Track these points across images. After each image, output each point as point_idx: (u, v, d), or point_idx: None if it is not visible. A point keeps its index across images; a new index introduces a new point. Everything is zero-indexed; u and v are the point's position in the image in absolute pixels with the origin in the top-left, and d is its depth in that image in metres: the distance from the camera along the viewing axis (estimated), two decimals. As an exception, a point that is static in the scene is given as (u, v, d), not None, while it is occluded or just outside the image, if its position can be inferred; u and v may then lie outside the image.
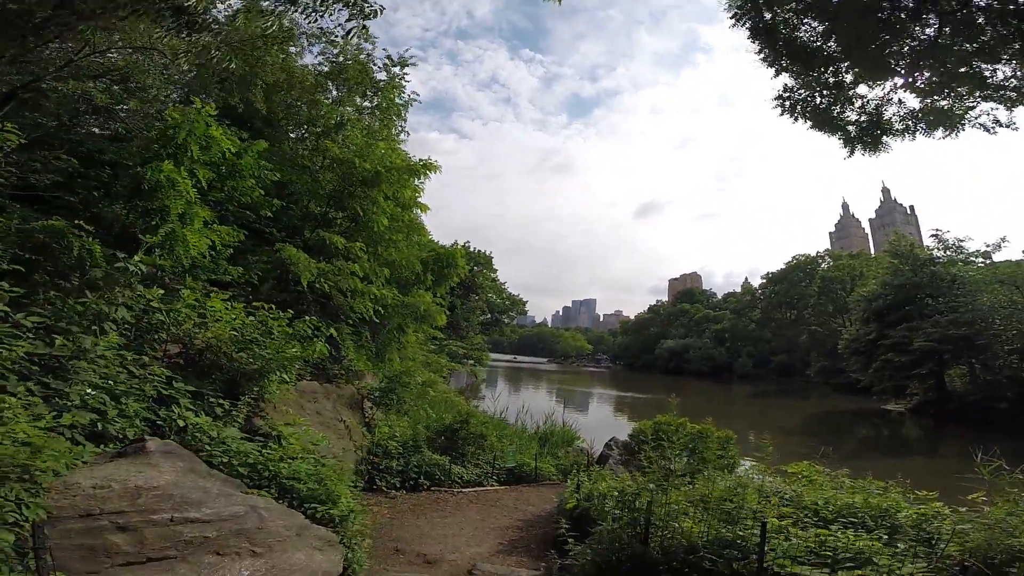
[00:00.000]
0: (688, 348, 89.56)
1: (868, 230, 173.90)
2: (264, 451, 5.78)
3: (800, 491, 6.83)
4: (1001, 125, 8.39)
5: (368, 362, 11.89)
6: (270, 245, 11.90)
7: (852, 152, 9.62)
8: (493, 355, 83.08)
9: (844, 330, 46.37)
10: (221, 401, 6.45)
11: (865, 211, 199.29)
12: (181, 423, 5.48)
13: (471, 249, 51.70)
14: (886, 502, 6.45)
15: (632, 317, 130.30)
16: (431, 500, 9.01)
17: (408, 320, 14.11)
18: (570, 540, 5.75)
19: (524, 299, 58.12)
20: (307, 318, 7.66)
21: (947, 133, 8.78)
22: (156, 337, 7.13)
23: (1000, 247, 34.13)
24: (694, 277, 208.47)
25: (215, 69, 13.06)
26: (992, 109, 8.48)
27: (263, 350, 7.49)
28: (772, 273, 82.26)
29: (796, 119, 9.68)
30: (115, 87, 11.31)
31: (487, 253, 53.57)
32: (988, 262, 34.55)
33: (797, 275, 77.15)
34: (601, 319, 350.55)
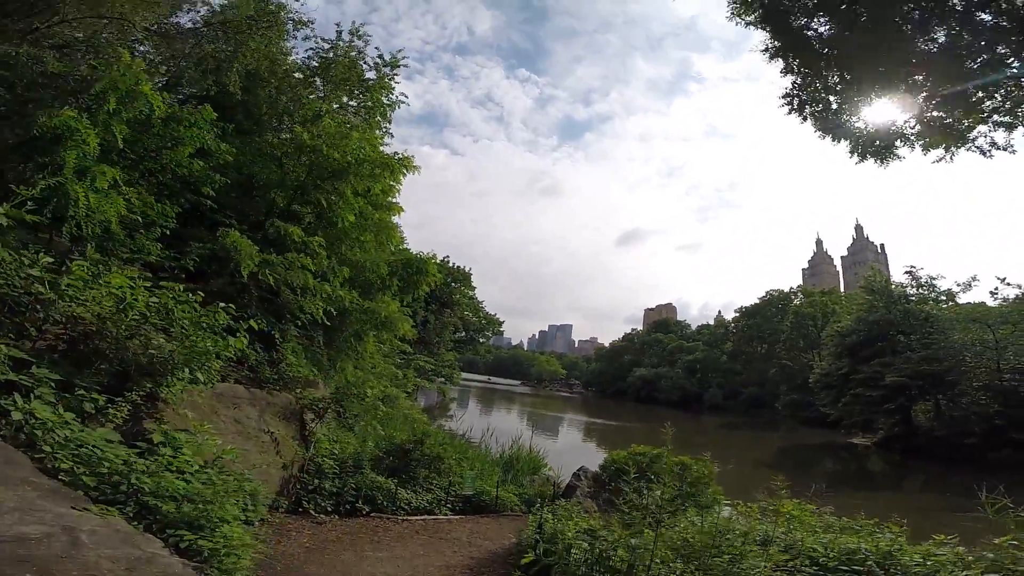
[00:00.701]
0: (660, 377, 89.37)
1: (839, 268, 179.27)
2: (131, 461, 4.48)
3: (798, 536, 5.86)
4: (998, 147, 8.25)
5: (313, 369, 10.54)
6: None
7: (862, 159, 9.20)
8: (467, 375, 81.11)
9: (815, 364, 46.49)
10: (95, 396, 5.13)
11: (838, 249, 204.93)
12: (18, 416, 4.17)
13: (450, 264, 50.59)
14: (888, 545, 5.59)
15: (607, 344, 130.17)
16: (367, 528, 7.65)
17: (367, 327, 12.83)
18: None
19: (501, 319, 56.87)
20: (221, 305, 6.37)
21: (947, 153, 8.57)
22: (39, 315, 5.83)
23: (971, 286, 34.77)
24: (669, 308, 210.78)
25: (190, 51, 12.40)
26: (989, 131, 8.29)
27: (172, 341, 6.22)
28: (746, 307, 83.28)
29: (804, 119, 9.31)
30: (86, 61, 10.25)
31: (466, 269, 52.47)
32: (952, 303, 35.13)
33: (770, 310, 78.17)
34: (576, 345, 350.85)
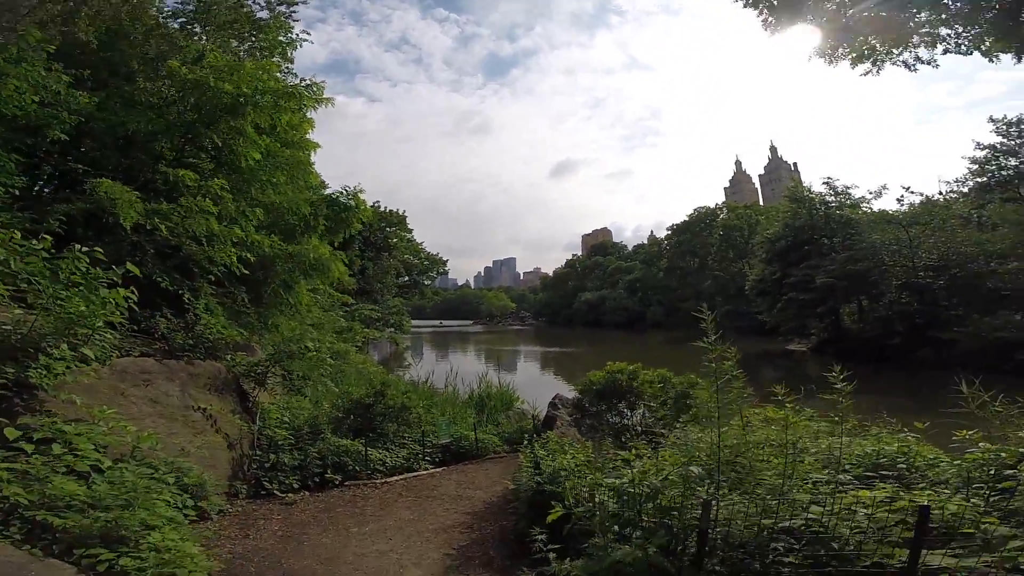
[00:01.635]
0: (604, 299, 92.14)
1: (758, 185, 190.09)
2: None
3: (824, 443, 5.48)
4: (922, 62, 9.01)
5: (240, 330, 8.94)
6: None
7: (813, 58, 9.65)
8: (416, 322, 79.78)
9: (748, 273, 49.03)
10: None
11: (755, 168, 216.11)
12: None
13: (382, 208, 47.58)
14: (905, 448, 5.26)
15: (551, 273, 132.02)
16: (345, 500, 6.67)
17: (295, 274, 11.21)
18: (551, 554, 3.81)
19: (444, 258, 54.90)
20: (78, 248, 4.67)
21: (874, 67, 9.37)
22: None
23: (880, 194, 37.43)
24: (605, 232, 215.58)
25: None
26: (913, 46, 8.97)
27: (32, 311, 4.57)
28: (676, 224, 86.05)
29: (760, 13, 9.13)
30: None
31: (400, 212, 49.60)
32: (865, 210, 37.54)
33: (699, 225, 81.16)
34: (522, 277, 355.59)
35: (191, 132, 10.46)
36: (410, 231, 52.39)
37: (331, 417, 8.26)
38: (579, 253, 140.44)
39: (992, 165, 33.45)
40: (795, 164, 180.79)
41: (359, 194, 14.03)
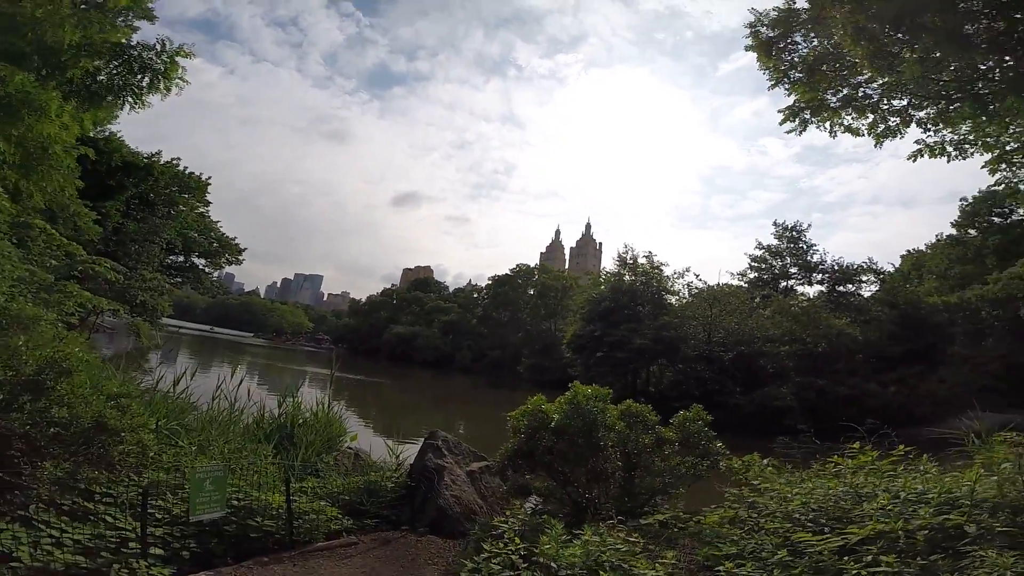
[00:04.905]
0: (417, 336, 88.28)
1: (567, 255, 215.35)
2: None
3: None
4: (850, 130, 9.99)
5: None
6: None
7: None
8: (179, 321, 62.57)
9: (565, 330, 51.41)
10: None
11: (568, 241, 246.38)
12: None
13: (181, 168, 36.28)
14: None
15: (363, 299, 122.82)
16: None
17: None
18: None
19: (241, 245, 43.58)
20: None
21: (799, 126, 10.18)
22: None
23: (683, 275, 43.48)
24: (427, 270, 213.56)
25: None
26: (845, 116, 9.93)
27: None
28: (497, 276, 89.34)
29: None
30: None
31: (202, 177, 38.58)
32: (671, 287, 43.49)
33: (517, 281, 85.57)
34: (325, 298, 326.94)
35: None
36: (207, 205, 41.00)
37: None
38: (397, 285, 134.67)
39: (765, 264, 42.26)
40: (601, 244, 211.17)
41: (178, 57, 8.40)
